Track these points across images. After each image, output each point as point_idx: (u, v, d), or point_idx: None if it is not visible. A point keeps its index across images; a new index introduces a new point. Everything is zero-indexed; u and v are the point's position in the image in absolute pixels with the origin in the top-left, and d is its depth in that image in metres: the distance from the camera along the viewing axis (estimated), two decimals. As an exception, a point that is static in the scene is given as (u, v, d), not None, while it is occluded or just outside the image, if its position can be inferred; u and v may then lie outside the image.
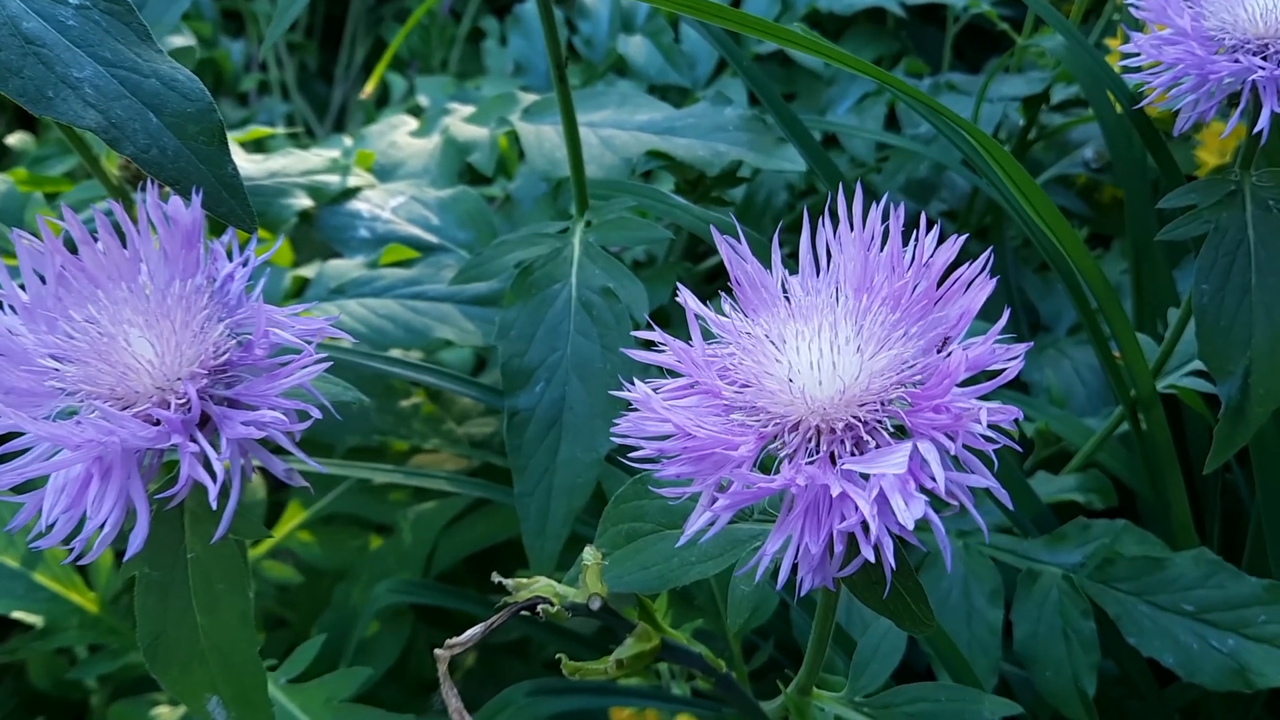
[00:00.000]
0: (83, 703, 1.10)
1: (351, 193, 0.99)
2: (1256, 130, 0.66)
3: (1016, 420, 0.45)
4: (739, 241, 0.51)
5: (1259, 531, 0.94)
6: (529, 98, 1.08)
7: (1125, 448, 0.99)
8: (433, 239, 0.97)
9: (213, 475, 0.46)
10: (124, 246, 0.52)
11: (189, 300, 0.50)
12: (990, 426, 0.44)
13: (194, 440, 0.47)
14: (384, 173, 1.07)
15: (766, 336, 0.49)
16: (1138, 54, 0.70)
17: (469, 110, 1.13)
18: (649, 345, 0.51)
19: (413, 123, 1.17)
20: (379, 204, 0.99)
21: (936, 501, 0.44)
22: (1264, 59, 0.66)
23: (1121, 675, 0.93)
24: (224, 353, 0.49)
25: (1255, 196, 0.71)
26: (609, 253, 0.79)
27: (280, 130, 1.58)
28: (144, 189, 0.50)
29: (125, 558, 0.47)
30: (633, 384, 0.48)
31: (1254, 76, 0.65)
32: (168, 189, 0.53)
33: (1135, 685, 0.92)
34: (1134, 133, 1.04)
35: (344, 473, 0.91)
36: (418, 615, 1.04)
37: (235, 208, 0.53)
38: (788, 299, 0.51)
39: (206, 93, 0.53)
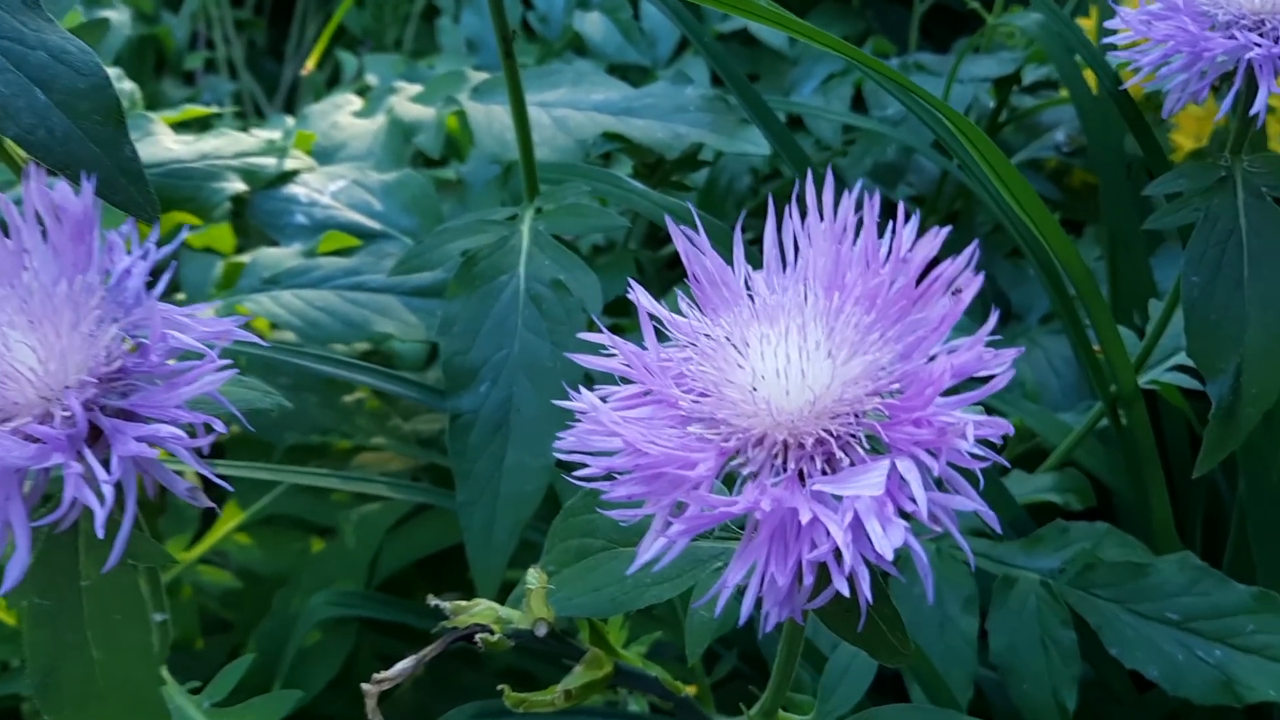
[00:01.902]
0: (14, 711, 1.04)
1: (288, 176, 0.93)
2: (1252, 113, 0.61)
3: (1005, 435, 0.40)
4: (697, 232, 0.46)
5: (1241, 533, 0.90)
6: (479, 76, 1.02)
7: (1102, 444, 0.95)
8: (375, 225, 0.92)
9: (102, 497, 0.41)
10: (8, 238, 0.46)
11: (78, 299, 0.44)
12: (977, 441, 0.39)
13: (82, 458, 0.42)
14: (325, 155, 1.02)
15: (728, 339, 0.44)
16: (1121, 31, 0.66)
17: (416, 89, 1.07)
18: (599, 347, 0.46)
19: (357, 102, 1.12)
20: (318, 188, 0.93)
21: (917, 526, 0.39)
22: (1260, 35, 0.61)
23: (1098, 679, 0.89)
24: (117, 358, 0.44)
25: (1247, 183, 0.67)
26: (561, 241, 0.74)
27: (228, 110, 1.52)
28: (28, 176, 0.45)
29: (2, 589, 0.42)
30: (579, 390, 0.43)
31: (1250, 55, 0.61)
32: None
33: (1113, 690, 0.88)
34: (1110, 115, 1.00)
35: (274, 478, 0.86)
36: (362, 621, 0.98)
37: (134, 195, 0.47)
38: (751, 297, 0.46)
39: (101, 67, 0.47)
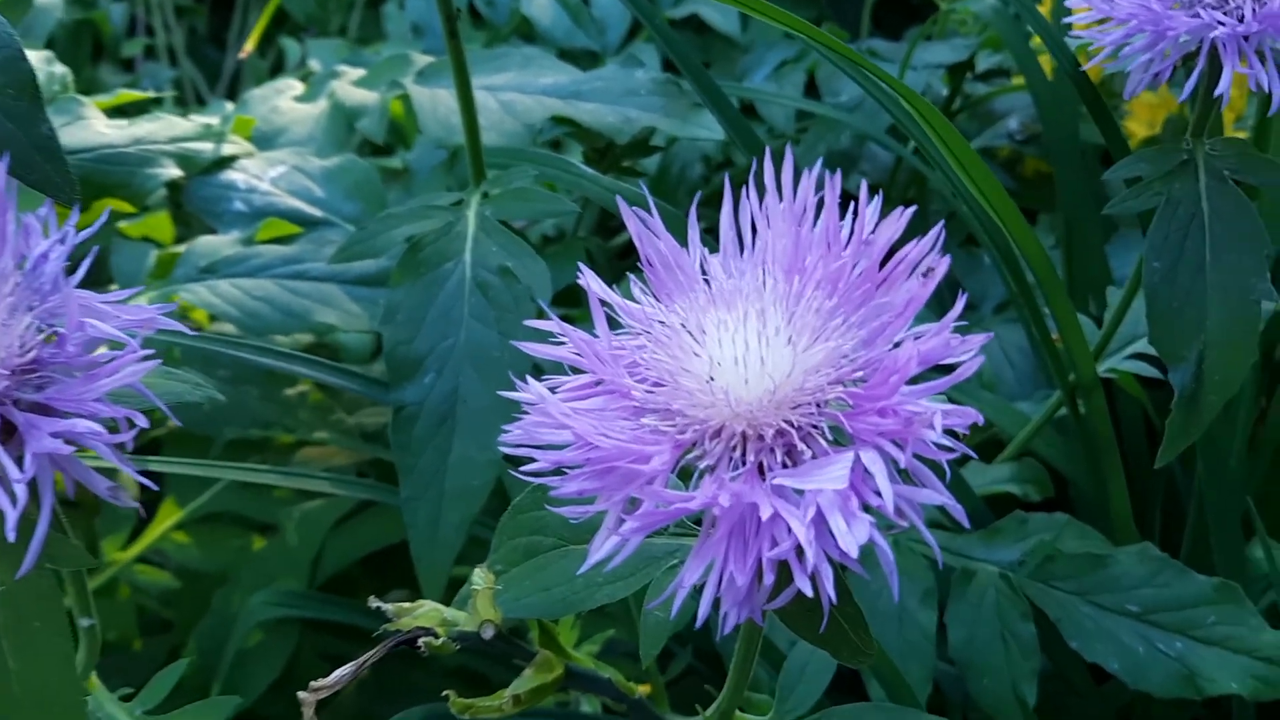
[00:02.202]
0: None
1: (226, 162, 0.90)
2: (1217, 94, 0.60)
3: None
4: (650, 215, 0.44)
5: (1200, 524, 0.89)
6: (424, 59, 0.99)
7: (1059, 434, 0.94)
8: (316, 212, 0.89)
9: (14, 497, 0.38)
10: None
11: (-11, 286, 0.41)
12: (943, 432, 0.37)
13: (-8, 456, 0.39)
14: (264, 141, 0.98)
15: (683, 326, 0.42)
16: (1080, 10, 0.64)
17: (359, 74, 1.04)
18: (548, 335, 0.43)
19: (299, 87, 1.08)
20: (257, 174, 0.90)
21: (880, 520, 0.38)
22: (1224, 14, 0.60)
23: (1056, 672, 0.88)
24: (31, 349, 0.41)
25: (1209, 166, 0.66)
26: (509, 228, 0.72)
27: (167, 95, 1.48)
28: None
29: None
30: (527, 381, 0.41)
31: (1214, 34, 0.59)
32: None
33: (1071, 683, 0.87)
34: (1066, 99, 0.99)
35: (212, 474, 0.82)
36: (305, 621, 0.95)
37: (51, 174, 0.44)
38: (708, 282, 0.44)
39: (15, 38, 0.44)
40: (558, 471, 0.40)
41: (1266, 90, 0.59)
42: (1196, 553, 0.88)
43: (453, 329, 0.68)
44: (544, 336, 0.44)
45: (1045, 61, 0.99)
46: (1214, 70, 0.61)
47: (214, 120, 0.98)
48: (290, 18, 1.89)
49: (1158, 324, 0.65)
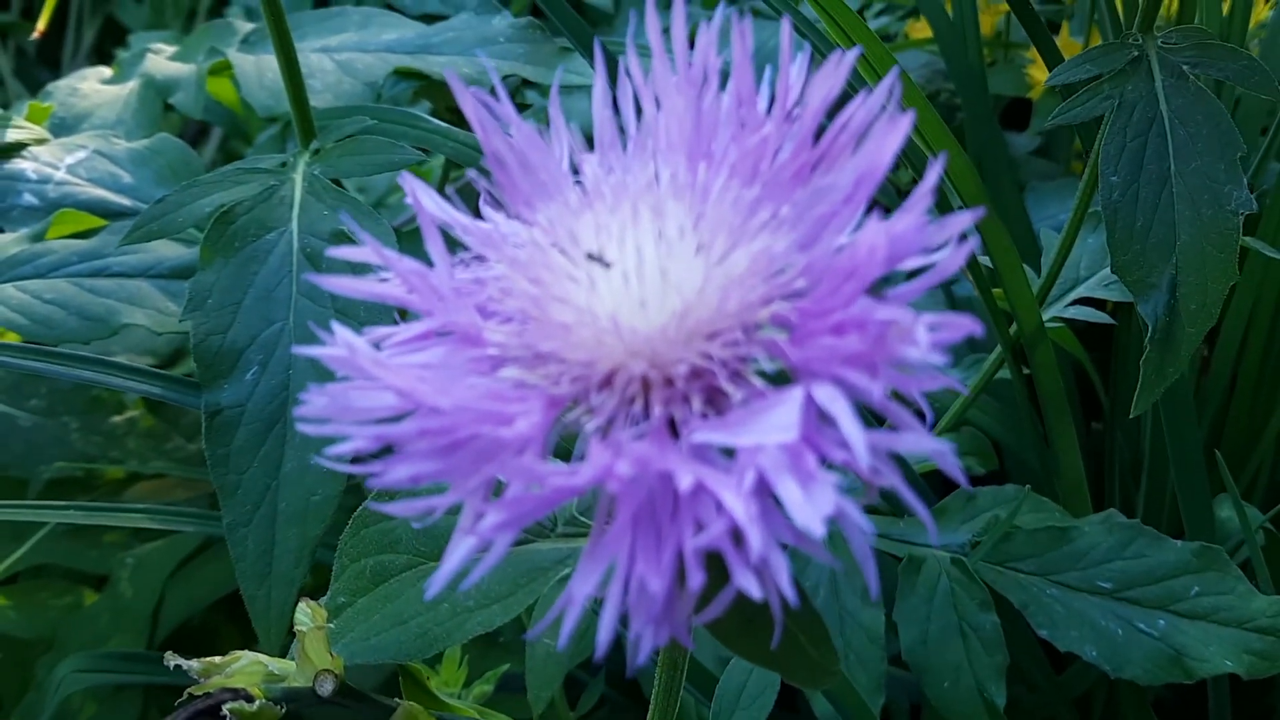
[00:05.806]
0: None
1: (13, 150, 0.76)
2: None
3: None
4: (497, 99, 0.32)
5: (1153, 493, 0.80)
6: (248, 26, 0.86)
7: (995, 399, 0.84)
8: (124, 201, 0.75)
9: None
10: None
11: None
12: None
13: None
14: (65, 127, 0.84)
15: (552, 243, 0.30)
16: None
17: (175, 50, 0.90)
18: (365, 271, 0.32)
19: (108, 73, 0.94)
20: (51, 162, 0.76)
21: (848, 483, 0.26)
22: None
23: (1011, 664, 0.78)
24: None
25: (1164, 62, 0.56)
26: (343, 189, 0.59)
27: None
28: None
29: None
30: (331, 330, 0.29)
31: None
32: None
33: (1024, 674, 0.77)
34: (971, 40, 0.90)
35: (28, 519, 0.69)
36: (154, 685, 0.82)
37: None
38: (580, 186, 0.32)
39: None
40: (384, 453, 0.28)
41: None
42: (1151, 519, 0.79)
43: (278, 312, 0.55)
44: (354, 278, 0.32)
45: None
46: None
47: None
48: (129, 31, 1.76)
49: (1121, 248, 0.55)
